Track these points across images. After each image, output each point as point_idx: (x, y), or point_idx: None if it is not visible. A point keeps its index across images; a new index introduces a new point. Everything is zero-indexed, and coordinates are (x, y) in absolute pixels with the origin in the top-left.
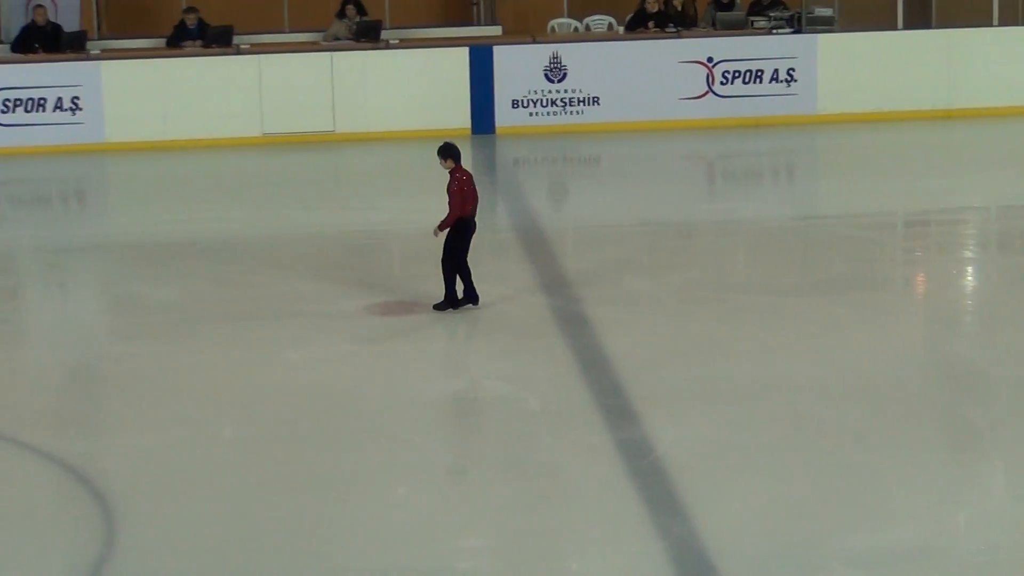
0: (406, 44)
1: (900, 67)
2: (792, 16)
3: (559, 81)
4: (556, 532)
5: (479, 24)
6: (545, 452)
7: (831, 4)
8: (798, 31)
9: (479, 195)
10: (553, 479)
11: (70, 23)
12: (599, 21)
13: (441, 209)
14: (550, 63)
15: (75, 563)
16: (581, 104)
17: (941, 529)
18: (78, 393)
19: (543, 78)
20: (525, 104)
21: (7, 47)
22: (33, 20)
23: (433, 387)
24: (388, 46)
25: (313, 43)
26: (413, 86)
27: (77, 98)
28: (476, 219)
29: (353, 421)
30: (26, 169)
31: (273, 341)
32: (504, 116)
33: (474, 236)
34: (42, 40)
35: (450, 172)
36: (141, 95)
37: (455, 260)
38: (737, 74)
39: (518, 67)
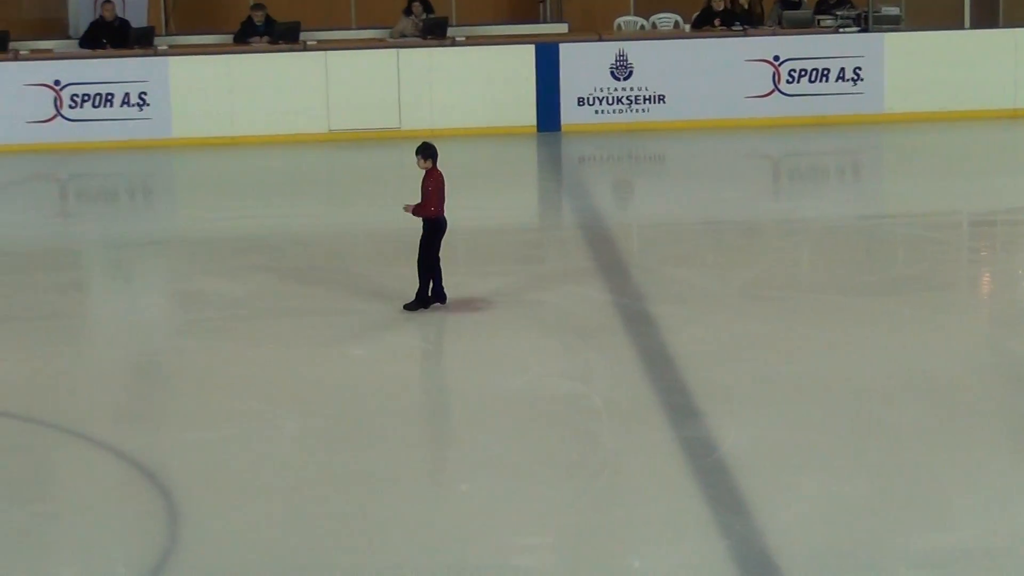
0: (472, 41)
1: (967, 66)
2: (859, 15)
3: (625, 79)
4: (618, 530)
5: (545, 22)
6: (607, 450)
7: (898, 3)
8: (865, 30)
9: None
10: (615, 477)
11: (138, 19)
12: (665, 19)
13: (504, 205)
14: (616, 61)
15: (137, 557)
16: (647, 102)
17: (1003, 530)
18: (141, 388)
19: (609, 76)
20: (591, 102)
21: (75, 42)
22: (101, 15)
23: (495, 384)
24: (454, 43)
25: (379, 40)
26: (479, 83)
27: (144, 93)
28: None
29: (414, 417)
30: (92, 164)
31: (335, 337)
32: (569, 114)
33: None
34: (110, 36)
35: (427, 171)
36: (208, 91)
37: (429, 259)
38: (803, 73)
39: (584, 65)
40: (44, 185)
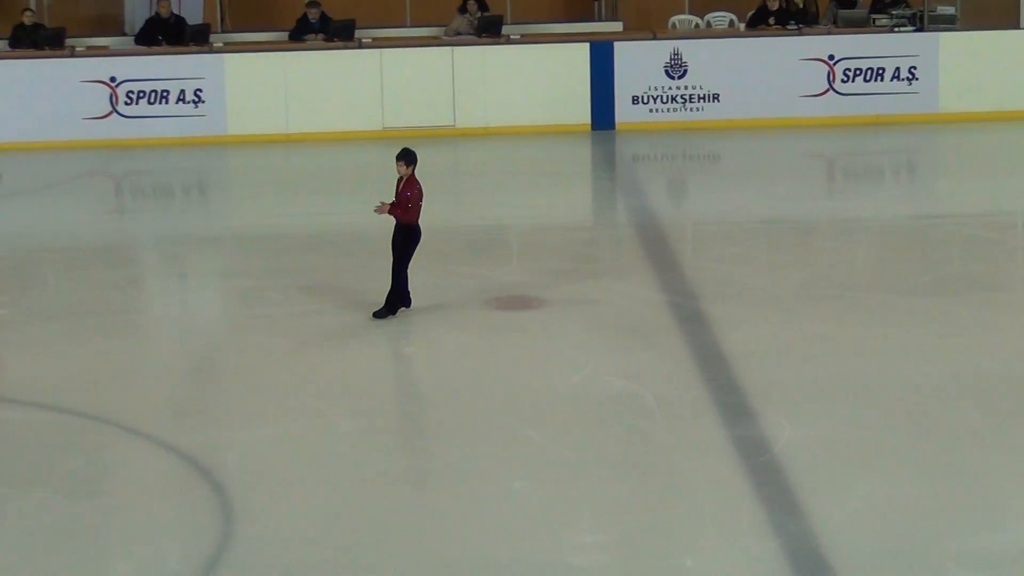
0: (527, 39)
1: (1022, 66)
2: (914, 14)
3: (679, 78)
4: (671, 529)
5: (600, 20)
6: (661, 449)
7: (953, 2)
8: (920, 29)
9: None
10: (669, 476)
11: (194, 16)
12: (720, 18)
13: (558, 204)
14: (671, 59)
15: (192, 553)
16: (701, 101)
17: None
18: (197, 385)
19: (663, 74)
20: (645, 100)
21: (131, 39)
22: (157, 13)
23: (550, 382)
24: (509, 41)
25: (434, 38)
26: (534, 82)
27: (200, 90)
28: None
29: (469, 415)
30: (148, 161)
31: (391, 334)
32: (624, 112)
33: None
34: (166, 33)
35: (407, 177)
36: (263, 88)
37: (399, 264)
38: (858, 72)
39: (639, 63)
40: (100, 181)
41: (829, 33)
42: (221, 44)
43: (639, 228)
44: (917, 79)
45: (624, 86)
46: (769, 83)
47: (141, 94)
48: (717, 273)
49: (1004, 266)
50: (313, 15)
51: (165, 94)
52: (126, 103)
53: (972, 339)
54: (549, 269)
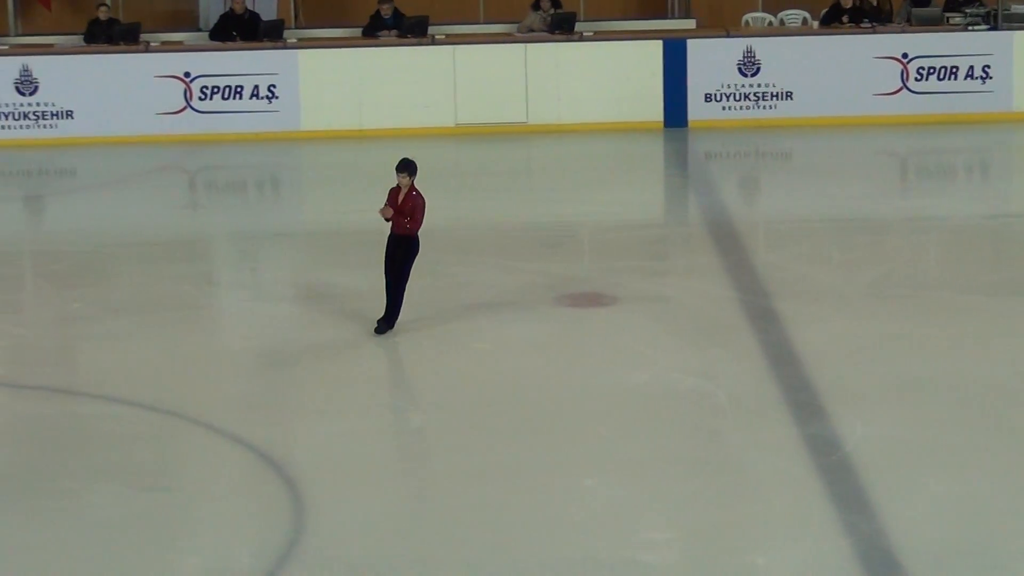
0: (600, 36)
1: None
2: (988, 13)
3: (752, 75)
4: (741, 527)
5: (673, 17)
6: (732, 446)
7: None
8: (994, 28)
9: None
10: (739, 474)
11: (268, 12)
12: (793, 15)
13: (631, 201)
14: (744, 57)
15: (263, 547)
16: (774, 99)
17: None
18: (268, 379)
19: (736, 72)
20: (718, 98)
21: (205, 35)
22: (231, 9)
23: (620, 379)
24: (582, 38)
25: (507, 34)
26: (606, 78)
27: (274, 86)
28: None
29: (540, 412)
30: (221, 156)
31: (462, 331)
32: (697, 110)
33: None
34: (240, 28)
35: (409, 188)
36: (336, 84)
37: (402, 277)
38: (932, 70)
39: (711, 61)
40: (173, 176)
41: (903, 31)
42: (295, 40)
43: (711, 226)
44: (991, 78)
45: (697, 84)
46: (842, 81)
47: (215, 89)
48: (789, 271)
49: None
50: (386, 11)
51: (239, 90)
52: (200, 98)
53: None
54: (620, 266)
